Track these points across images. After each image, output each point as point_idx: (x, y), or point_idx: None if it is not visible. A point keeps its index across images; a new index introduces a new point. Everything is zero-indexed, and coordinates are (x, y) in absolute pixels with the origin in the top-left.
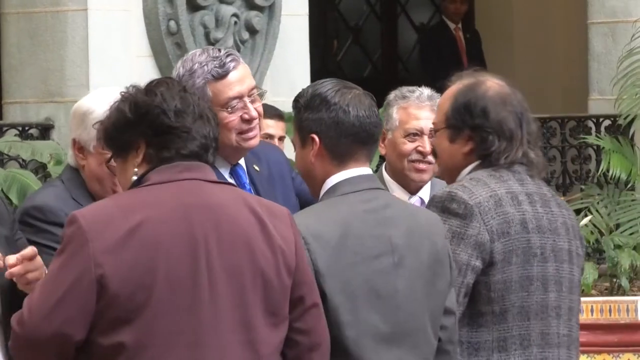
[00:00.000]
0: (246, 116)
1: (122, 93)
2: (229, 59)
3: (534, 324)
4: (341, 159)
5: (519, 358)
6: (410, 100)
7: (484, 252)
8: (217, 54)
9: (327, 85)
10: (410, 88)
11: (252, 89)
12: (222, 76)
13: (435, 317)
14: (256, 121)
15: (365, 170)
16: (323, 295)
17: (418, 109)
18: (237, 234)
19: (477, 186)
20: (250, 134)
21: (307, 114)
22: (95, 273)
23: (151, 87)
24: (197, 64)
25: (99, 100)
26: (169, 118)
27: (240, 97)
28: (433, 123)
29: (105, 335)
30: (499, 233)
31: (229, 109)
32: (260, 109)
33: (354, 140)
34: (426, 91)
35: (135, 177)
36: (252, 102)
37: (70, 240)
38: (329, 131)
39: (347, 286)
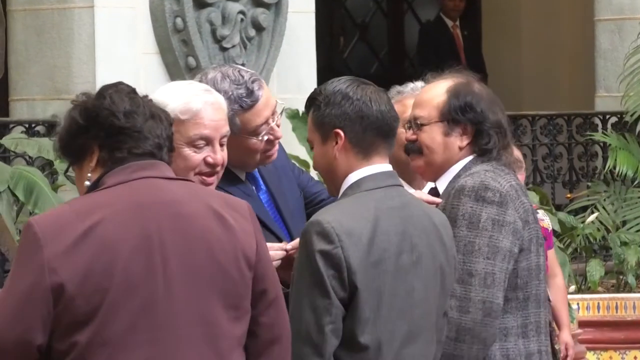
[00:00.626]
0: (272, 137)
1: (73, 100)
2: (255, 85)
3: (542, 312)
4: (365, 153)
5: (535, 345)
6: (406, 93)
7: (520, 238)
8: (241, 80)
9: (345, 82)
10: (403, 85)
11: (274, 107)
12: (250, 106)
13: (439, 316)
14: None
15: (387, 166)
16: (354, 291)
17: (414, 99)
18: (193, 229)
19: (497, 177)
20: (272, 151)
21: (328, 109)
22: (50, 278)
23: (101, 91)
24: (222, 93)
25: (172, 94)
26: (119, 119)
27: (267, 122)
28: (418, 117)
29: (63, 337)
30: (524, 221)
31: (259, 136)
32: (280, 121)
33: (377, 133)
34: (420, 84)
35: (88, 182)
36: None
37: (25, 247)
38: (354, 125)
39: (373, 283)
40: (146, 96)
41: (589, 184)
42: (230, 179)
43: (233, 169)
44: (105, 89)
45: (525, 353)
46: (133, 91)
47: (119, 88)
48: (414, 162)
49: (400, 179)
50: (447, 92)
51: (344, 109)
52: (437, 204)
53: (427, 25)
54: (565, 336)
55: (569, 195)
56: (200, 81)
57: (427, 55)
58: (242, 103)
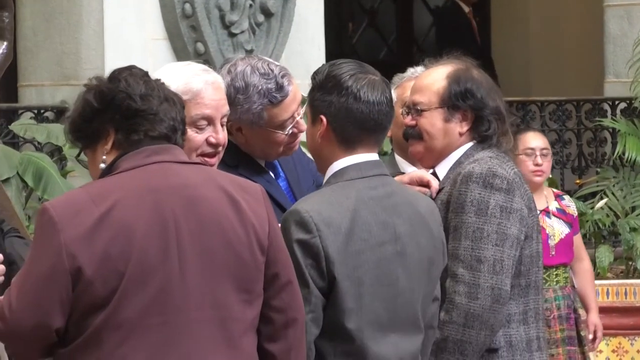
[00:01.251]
0: (296, 131)
1: (86, 84)
2: (285, 80)
3: (540, 299)
4: (348, 144)
5: (534, 331)
6: (406, 77)
7: (526, 225)
8: (270, 74)
9: (344, 68)
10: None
11: (300, 101)
12: (280, 101)
13: (426, 304)
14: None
15: (372, 156)
16: (333, 281)
17: (413, 81)
18: (207, 213)
19: (502, 164)
20: (294, 143)
21: (319, 94)
22: (68, 262)
23: (115, 75)
24: (251, 87)
25: (172, 75)
26: (135, 102)
27: (292, 117)
28: (418, 102)
29: (79, 320)
30: (529, 208)
31: (285, 130)
32: (301, 112)
33: (361, 127)
34: (419, 68)
35: (103, 165)
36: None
37: (41, 232)
38: (337, 115)
39: (354, 273)
40: (158, 79)
41: (598, 169)
42: (252, 167)
43: (254, 157)
44: (119, 72)
45: (526, 339)
46: (146, 74)
47: (132, 71)
48: (413, 148)
49: (404, 161)
50: (447, 77)
51: (332, 97)
52: (430, 190)
53: (444, 10)
54: (594, 318)
55: (578, 181)
56: (229, 73)
57: (444, 41)
58: (271, 98)
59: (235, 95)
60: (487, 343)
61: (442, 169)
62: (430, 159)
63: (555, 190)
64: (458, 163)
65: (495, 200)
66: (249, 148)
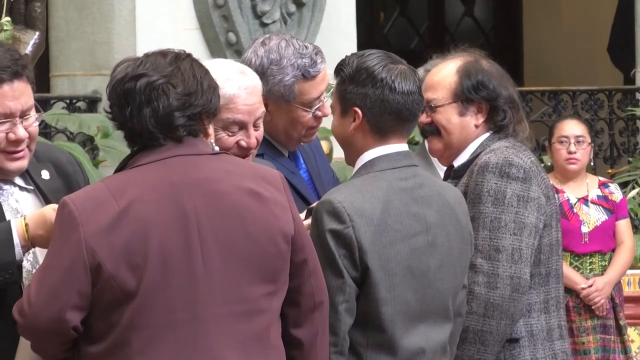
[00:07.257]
0: (319, 114)
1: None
2: (318, 58)
3: (561, 287)
4: (382, 134)
5: (555, 319)
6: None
7: (544, 214)
8: (305, 50)
9: (374, 60)
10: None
11: (327, 84)
12: (312, 77)
13: (456, 293)
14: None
15: (403, 146)
16: (366, 271)
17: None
18: (227, 206)
19: (518, 153)
20: (315, 130)
21: (352, 86)
22: (88, 257)
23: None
24: (285, 59)
25: (214, 73)
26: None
27: (319, 97)
28: (431, 99)
29: (104, 315)
30: (547, 196)
31: (311, 109)
32: (325, 96)
33: (396, 117)
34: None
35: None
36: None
37: (61, 226)
38: (373, 107)
39: (387, 263)
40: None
41: (630, 159)
42: (277, 157)
43: (277, 145)
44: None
45: (546, 328)
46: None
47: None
48: (432, 145)
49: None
50: (457, 72)
51: (366, 89)
52: None
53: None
54: (599, 281)
55: (610, 171)
56: (263, 44)
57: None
58: (305, 72)
59: (269, 66)
60: (508, 332)
61: (460, 161)
62: (449, 156)
63: (602, 178)
64: (475, 154)
65: (512, 190)
66: (272, 128)
